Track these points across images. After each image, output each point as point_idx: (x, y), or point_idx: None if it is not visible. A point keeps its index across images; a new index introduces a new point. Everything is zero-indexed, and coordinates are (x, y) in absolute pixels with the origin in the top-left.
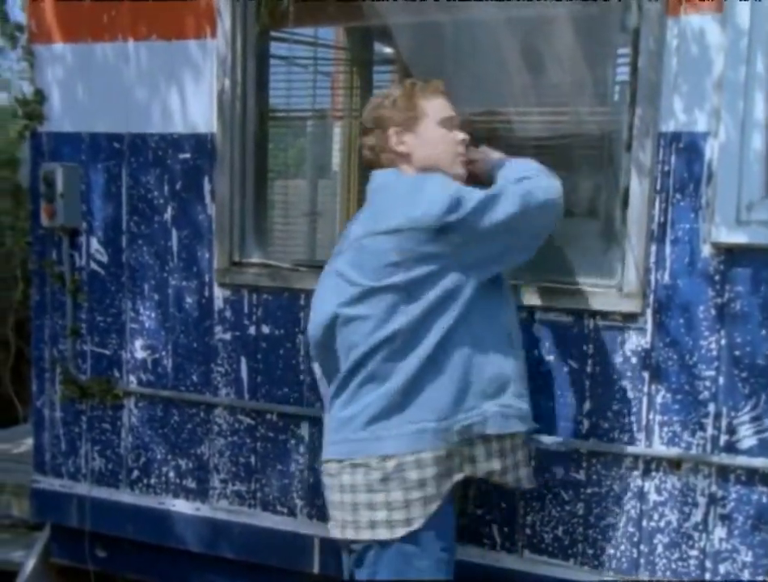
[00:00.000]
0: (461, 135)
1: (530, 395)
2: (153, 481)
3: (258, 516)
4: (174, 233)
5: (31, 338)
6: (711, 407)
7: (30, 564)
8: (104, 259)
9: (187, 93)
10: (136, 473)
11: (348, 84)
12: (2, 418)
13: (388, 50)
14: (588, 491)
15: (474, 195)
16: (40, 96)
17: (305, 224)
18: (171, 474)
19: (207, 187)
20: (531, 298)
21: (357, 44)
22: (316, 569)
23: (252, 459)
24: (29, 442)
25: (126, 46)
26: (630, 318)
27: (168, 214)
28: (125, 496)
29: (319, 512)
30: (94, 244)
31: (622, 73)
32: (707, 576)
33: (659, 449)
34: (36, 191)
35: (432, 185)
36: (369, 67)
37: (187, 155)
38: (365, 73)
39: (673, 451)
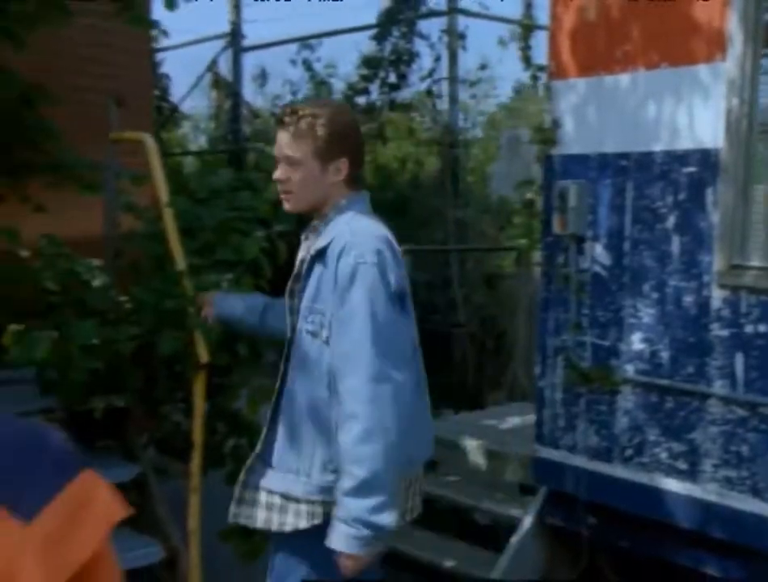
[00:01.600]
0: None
1: None
2: (645, 460)
3: (747, 502)
4: (675, 239)
5: (537, 329)
6: None
7: (527, 521)
8: (607, 262)
9: (693, 113)
10: (629, 451)
11: None
12: (470, 403)
13: None
14: None
15: None
16: (556, 125)
17: None
18: (663, 455)
19: (709, 197)
20: None
21: None
22: None
23: (744, 448)
24: (512, 420)
25: (636, 75)
26: None
27: (670, 222)
28: (618, 471)
29: None
30: (598, 249)
31: None
32: None
33: None
34: (549, 204)
35: None
36: None
37: (692, 169)
38: None
39: None
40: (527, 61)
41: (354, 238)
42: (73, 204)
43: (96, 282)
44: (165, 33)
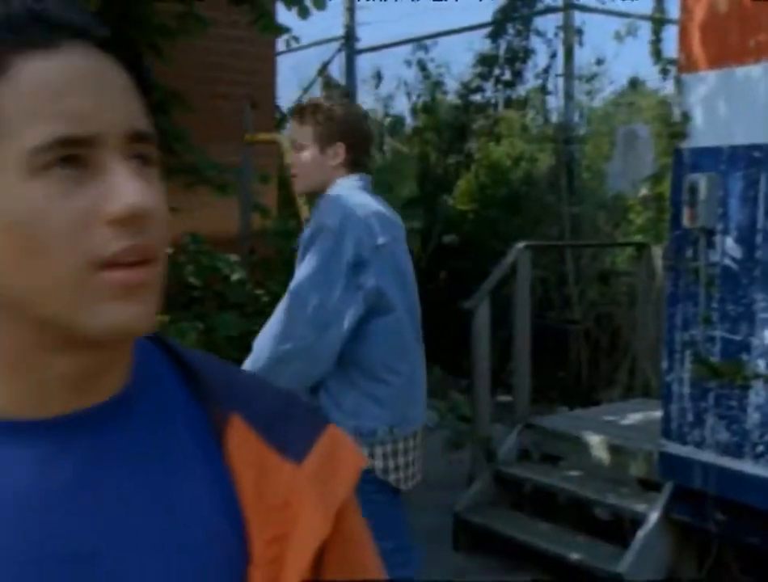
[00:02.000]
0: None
1: None
2: None
3: None
4: None
5: (664, 324)
6: None
7: (654, 516)
8: (738, 255)
9: None
10: (760, 447)
11: None
12: (583, 399)
13: None
14: None
15: None
16: (686, 118)
17: None
18: None
19: None
20: None
21: None
22: None
23: None
24: (632, 416)
25: None
26: None
27: None
28: (748, 467)
29: None
30: (729, 242)
31: None
32: None
33: None
34: (678, 197)
35: None
36: None
37: None
38: None
39: None
40: (657, 54)
41: (323, 207)
42: (201, 204)
43: (234, 277)
44: (296, 39)
